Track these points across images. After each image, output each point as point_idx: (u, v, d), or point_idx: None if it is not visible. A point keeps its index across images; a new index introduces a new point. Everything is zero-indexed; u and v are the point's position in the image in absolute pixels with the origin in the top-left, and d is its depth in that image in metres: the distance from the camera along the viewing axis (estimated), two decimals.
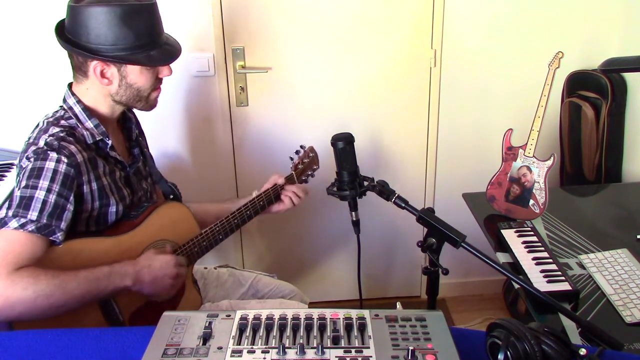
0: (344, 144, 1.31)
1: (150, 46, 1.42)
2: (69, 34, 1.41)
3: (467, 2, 2.31)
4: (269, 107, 2.43)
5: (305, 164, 1.85)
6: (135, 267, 1.39)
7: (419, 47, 2.39)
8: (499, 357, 0.92)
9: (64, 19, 1.45)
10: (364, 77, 2.42)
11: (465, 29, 2.35)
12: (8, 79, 2.25)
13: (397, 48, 2.38)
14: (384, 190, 1.30)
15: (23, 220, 1.27)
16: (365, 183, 1.35)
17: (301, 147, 1.87)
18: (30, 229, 1.27)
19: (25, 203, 1.28)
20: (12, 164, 2.14)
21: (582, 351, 0.93)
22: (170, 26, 2.21)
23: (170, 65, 1.50)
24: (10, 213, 1.28)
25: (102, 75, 1.42)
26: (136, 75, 1.44)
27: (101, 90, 1.44)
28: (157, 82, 1.50)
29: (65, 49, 1.42)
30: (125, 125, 1.61)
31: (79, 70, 1.44)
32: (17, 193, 1.30)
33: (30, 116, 1.54)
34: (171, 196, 1.70)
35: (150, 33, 1.42)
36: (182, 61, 2.28)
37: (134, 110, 1.67)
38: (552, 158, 1.78)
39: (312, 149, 1.89)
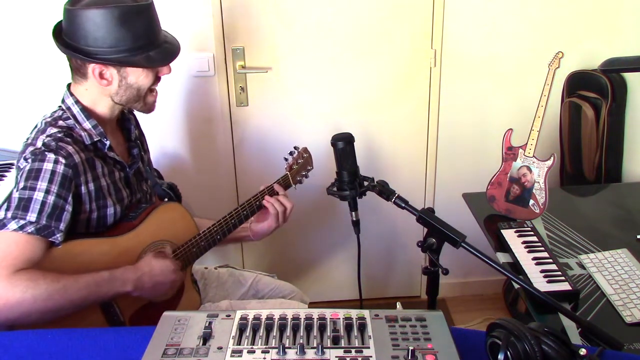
0: (344, 144, 1.31)
1: (149, 47, 1.41)
2: (66, 37, 1.40)
3: (467, 2, 2.31)
4: (269, 107, 2.43)
5: (299, 165, 1.85)
6: (136, 273, 1.38)
7: (419, 47, 2.39)
8: (499, 357, 0.92)
9: (61, 21, 1.44)
10: (364, 77, 2.42)
11: (465, 29, 2.35)
12: (8, 79, 2.26)
13: (397, 48, 2.38)
14: (384, 190, 1.30)
15: (22, 222, 1.27)
16: (365, 183, 1.34)
17: (295, 148, 1.87)
18: (29, 231, 1.27)
19: (24, 204, 1.28)
20: (12, 164, 2.13)
21: (582, 351, 0.93)
22: (170, 26, 2.22)
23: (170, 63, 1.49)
24: (9, 215, 1.27)
25: (101, 76, 1.41)
26: (136, 75, 1.43)
27: (101, 90, 1.44)
28: (155, 81, 1.49)
29: (64, 53, 1.42)
30: (125, 125, 1.60)
31: (78, 72, 1.43)
32: (16, 194, 1.30)
33: (30, 116, 1.54)
34: (165, 199, 1.70)
35: (148, 33, 1.41)
36: (182, 61, 2.29)
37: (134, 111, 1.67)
38: (552, 158, 1.78)
39: (305, 150, 1.89)
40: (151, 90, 1.49)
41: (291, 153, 1.86)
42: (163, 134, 2.39)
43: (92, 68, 1.40)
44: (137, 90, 1.45)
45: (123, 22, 1.36)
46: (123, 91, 1.44)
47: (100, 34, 1.36)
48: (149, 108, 1.52)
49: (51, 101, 1.55)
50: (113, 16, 1.35)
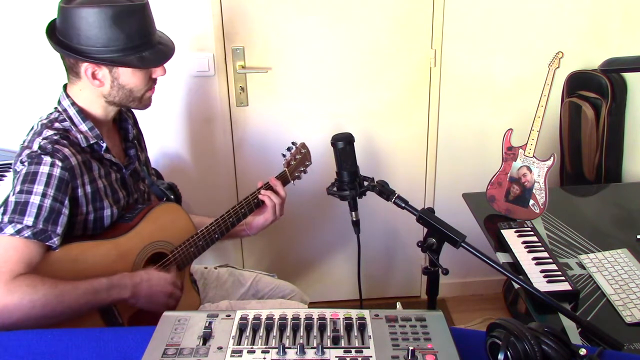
0: (344, 144, 1.31)
1: (143, 47, 1.40)
2: (60, 35, 1.40)
3: (467, 2, 2.31)
4: (269, 107, 2.43)
5: (297, 160, 1.84)
6: (133, 280, 1.38)
7: (419, 47, 2.39)
8: (499, 357, 0.92)
9: (55, 19, 1.43)
10: (364, 76, 2.41)
11: (465, 29, 2.35)
12: (8, 79, 2.25)
13: (397, 48, 2.38)
14: (384, 190, 1.30)
15: (19, 226, 1.26)
16: (365, 183, 1.34)
17: (293, 143, 1.86)
18: (26, 235, 1.26)
19: (21, 209, 1.27)
20: (11, 164, 2.13)
21: (582, 351, 0.93)
22: (170, 26, 2.22)
23: (165, 64, 1.47)
24: (5, 219, 1.27)
25: (94, 76, 1.40)
26: (128, 76, 1.41)
27: (94, 91, 1.43)
28: (151, 82, 1.48)
29: (57, 51, 1.41)
30: (122, 125, 1.60)
31: (72, 71, 1.42)
32: (12, 198, 1.29)
33: (30, 116, 1.54)
34: (163, 199, 1.70)
35: (142, 34, 1.40)
36: (182, 61, 2.29)
37: (133, 109, 1.67)
38: (552, 158, 1.78)
39: (303, 145, 1.88)
40: (148, 88, 1.47)
41: (289, 149, 1.85)
42: (163, 134, 2.39)
43: (85, 68, 1.39)
44: (130, 92, 1.44)
45: (117, 21, 1.35)
46: (116, 92, 1.43)
47: (94, 32, 1.34)
48: (145, 105, 1.51)
49: (51, 100, 1.55)
50: (107, 15, 1.34)
